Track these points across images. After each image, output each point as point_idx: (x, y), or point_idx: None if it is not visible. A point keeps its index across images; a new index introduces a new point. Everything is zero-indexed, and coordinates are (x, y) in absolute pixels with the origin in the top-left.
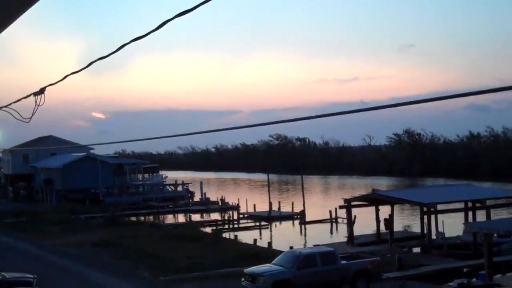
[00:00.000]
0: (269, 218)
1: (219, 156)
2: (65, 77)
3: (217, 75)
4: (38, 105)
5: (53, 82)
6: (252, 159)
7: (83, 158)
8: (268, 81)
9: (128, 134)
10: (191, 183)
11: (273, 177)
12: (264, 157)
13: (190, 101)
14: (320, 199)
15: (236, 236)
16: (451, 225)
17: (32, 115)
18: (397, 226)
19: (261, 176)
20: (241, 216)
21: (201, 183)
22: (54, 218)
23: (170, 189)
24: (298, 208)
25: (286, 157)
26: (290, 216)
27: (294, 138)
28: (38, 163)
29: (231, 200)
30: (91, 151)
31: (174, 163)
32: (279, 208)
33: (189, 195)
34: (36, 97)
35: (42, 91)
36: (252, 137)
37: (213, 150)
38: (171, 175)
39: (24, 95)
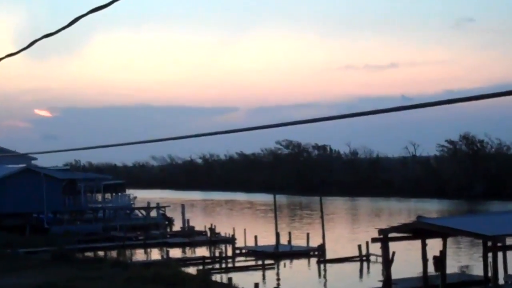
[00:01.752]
0: (276, 254)
1: (208, 169)
2: None
3: (204, 60)
4: None
5: None
6: (253, 174)
7: (22, 171)
8: (274, 68)
9: (83, 139)
10: (169, 206)
11: (282, 198)
12: (269, 171)
13: (169, 95)
14: (346, 229)
15: (230, 279)
16: None
17: None
18: (451, 267)
19: (265, 198)
20: (237, 251)
21: (182, 206)
22: None
23: (140, 215)
24: (315, 241)
25: (300, 171)
26: (304, 252)
27: (311, 145)
28: None
29: (223, 229)
30: (33, 162)
31: (146, 179)
32: (289, 241)
33: (167, 222)
34: None
35: None
36: (253, 144)
37: (199, 161)
38: (142, 195)
39: None
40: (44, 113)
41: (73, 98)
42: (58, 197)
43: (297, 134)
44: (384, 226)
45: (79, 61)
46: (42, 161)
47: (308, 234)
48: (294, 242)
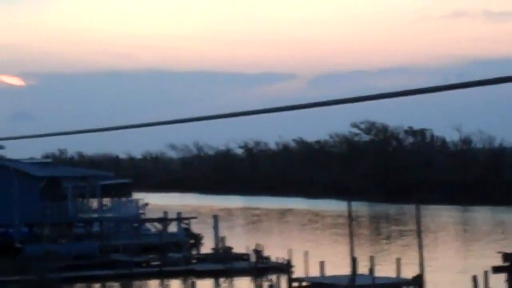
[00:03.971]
0: None
1: (252, 164)
2: None
3: (242, 5)
4: None
5: None
6: (318, 172)
7: None
8: (347, 17)
9: (71, 120)
10: (195, 217)
11: (360, 207)
12: (341, 167)
13: (192, 56)
14: (455, 252)
15: None
16: None
17: None
18: None
19: (335, 206)
20: (295, 284)
21: (215, 217)
22: None
23: (154, 230)
24: (410, 271)
25: (386, 167)
26: (394, 286)
27: (402, 130)
28: None
29: (275, 252)
30: None
31: (161, 177)
32: (371, 270)
33: (192, 241)
34: None
35: None
36: (318, 128)
37: (239, 152)
38: (156, 201)
39: None
40: (13, 80)
41: (55, 60)
42: (35, 203)
43: (382, 113)
44: (511, 249)
45: (63, 8)
46: (12, 151)
47: (399, 260)
48: (379, 272)
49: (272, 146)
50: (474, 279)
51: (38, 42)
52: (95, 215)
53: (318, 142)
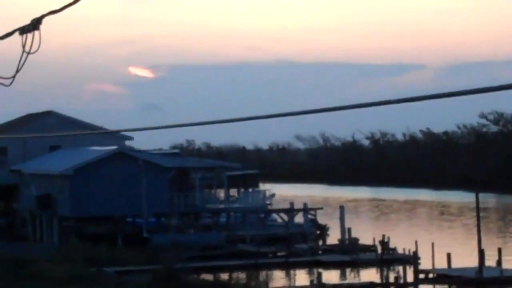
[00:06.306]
0: (480, 281)
1: (379, 155)
2: (76, 0)
3: None
4: (28, 53)
5: (55, 9)
6: (446, 163)
7: (112, 156)
8: (476, 6)
9: (198, 111)
10: (321, 208)
11: (488, 198)
12: (470, 158)
13: (320, 47)
14: None
15: None
16: None
17: (17, 72)
18: None
19: (463, 197)
20: (421, 276)
21: (341, 208)
22: (57, 272)
23: (280, 220)
24: None
25: None
26: None
27: None
28: (26, 165)
29: (401, 244)
30: (127, 142)
31: (288, 168)
32: (499, 262)
33: (318, 232)
34: (23, 37)
35: (35, 25)
36: (446, 119)
37: (366, 143)
38: (282, 192)
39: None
40: (143, 72)
41: (183, 52)
42: (163, 194)
43: (511, 104)
44: None
45: (192, 1)
46: (141, 142)
47: None
48: (507, 264)
49: (399, 137)
50: None
51: (167, 35)
52: (222, 206)
53: (445, 133)
